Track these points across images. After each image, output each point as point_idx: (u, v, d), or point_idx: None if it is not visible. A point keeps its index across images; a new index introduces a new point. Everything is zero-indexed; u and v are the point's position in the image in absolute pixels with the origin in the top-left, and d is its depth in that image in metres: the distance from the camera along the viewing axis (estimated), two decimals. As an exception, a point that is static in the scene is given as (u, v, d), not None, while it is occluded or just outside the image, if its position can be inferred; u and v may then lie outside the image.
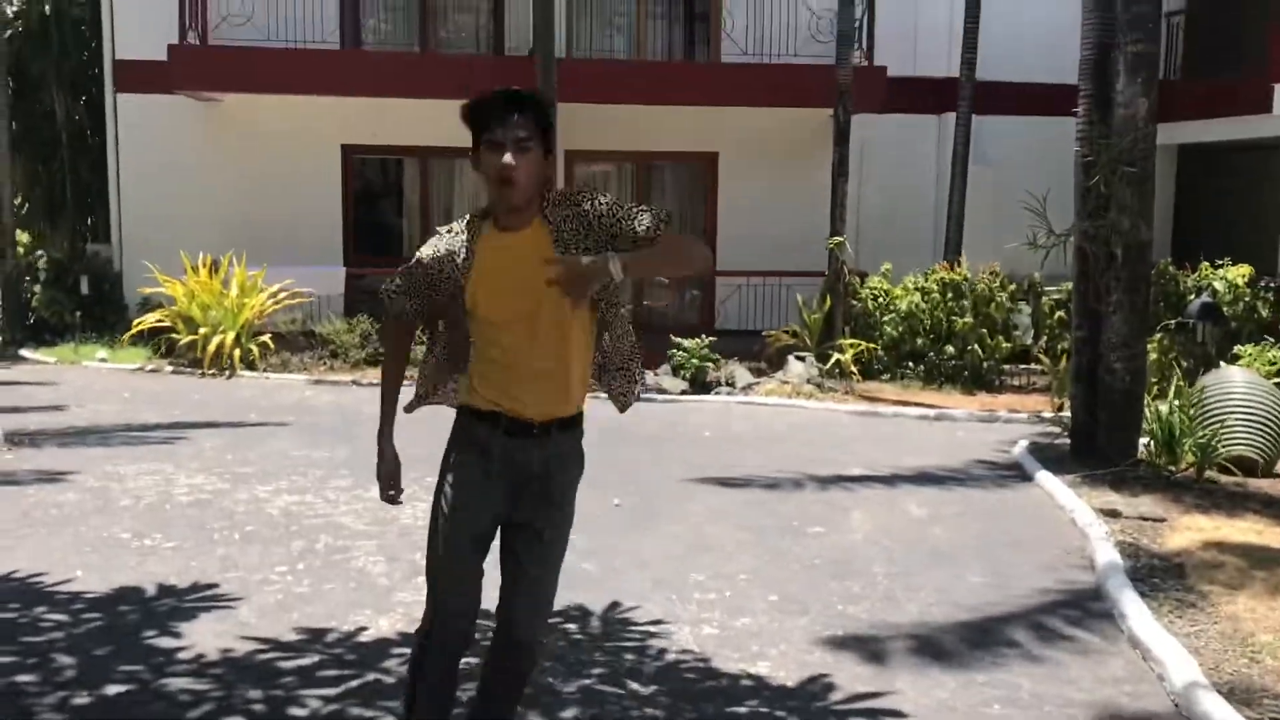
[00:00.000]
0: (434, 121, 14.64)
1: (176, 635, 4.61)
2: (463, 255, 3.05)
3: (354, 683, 4.17)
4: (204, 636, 4.59)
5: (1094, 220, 7.97)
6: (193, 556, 5.71)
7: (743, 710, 4.01)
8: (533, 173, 2.96)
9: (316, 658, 4.41)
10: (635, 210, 3.03)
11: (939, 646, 4.69)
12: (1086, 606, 5.22)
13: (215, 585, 5.25)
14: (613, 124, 14.95)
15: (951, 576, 5.66)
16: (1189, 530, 6.18)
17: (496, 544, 3.22)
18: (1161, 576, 5.42)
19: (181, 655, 4.40)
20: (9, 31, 15.21)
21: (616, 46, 15.80)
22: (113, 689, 4.07)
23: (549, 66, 12.62)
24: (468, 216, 3.15)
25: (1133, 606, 4.90)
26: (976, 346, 12.78)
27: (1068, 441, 8.58)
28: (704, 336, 12.65)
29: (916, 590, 5.43)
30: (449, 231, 3.15)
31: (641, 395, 4.46)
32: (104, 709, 3.91)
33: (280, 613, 4.90)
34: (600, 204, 3.02)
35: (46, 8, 15.80)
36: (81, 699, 3.98)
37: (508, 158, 2.91)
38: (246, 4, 14.25)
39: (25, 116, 15.75)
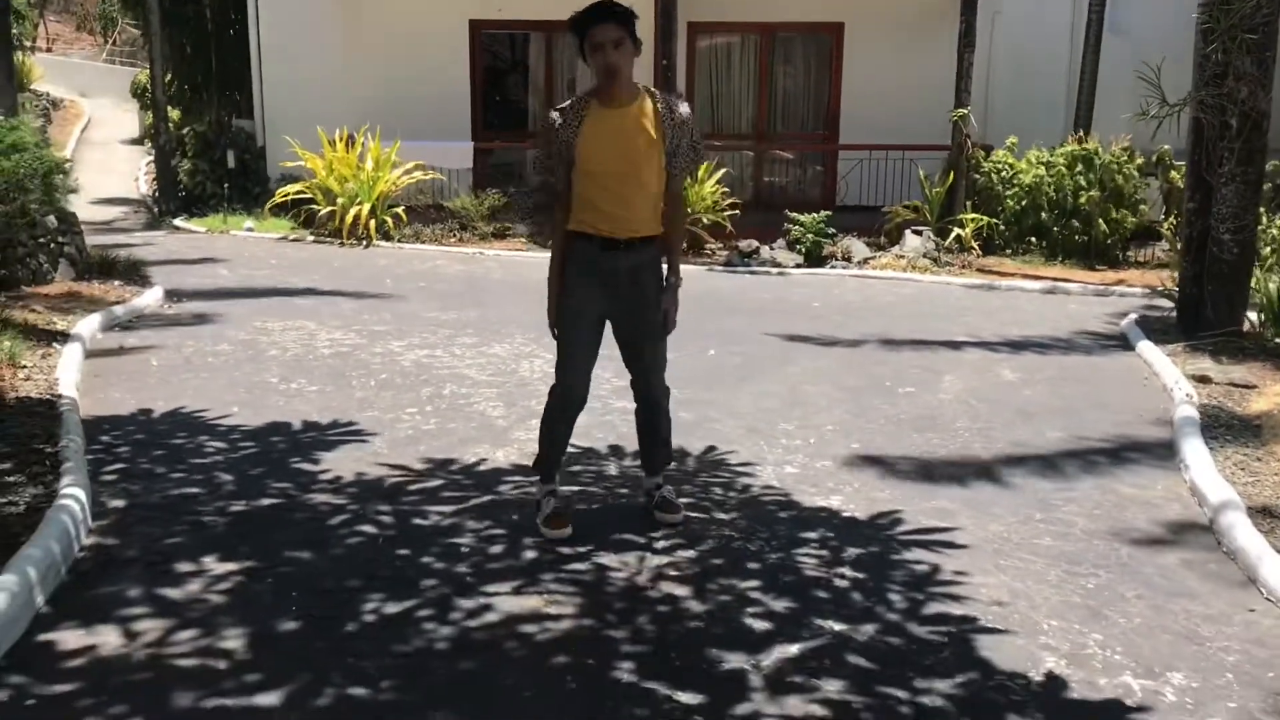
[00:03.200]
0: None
1: (318, 461, 5.24)
2: (575, 124, 4.13)
3: (472, 501, 4.73)
4: (342, 462, 5.21)
5: (1211, 89, 7.86)
6: (333, 399, 6.35)
7: (813, 534, 4.44)
8: (628, 62, 4.08)
9: (440, 481, 4.98)
10: (693, 144, 4.24)
11: (1004, 488, 5.02)
12: (1155, 458, 5.46)
13: (353, 423, 5.88)
14: (735, -6, 14.96)
15: (1031, 432, 5.94)
16: (1277, 396, 6.29)
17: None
18: (1235, 434, 5.61)
19: (323, 477, 5.02)
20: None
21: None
22: (265, 501, 4.71)
23: (670, -62, 12.68)
24: (573, 99, 4.24)
25: (1197, 457, 5.12)
26: (1101, 221, 12.65)
27: (1177, 314, 8.61)
28: (821, 211, 12.80)
29: (994, 442, 5.74)
30: (559, 109, 4.20)
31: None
32: (257, 516, 4.55)
33: (409, 445, 5.49)
34: (688, 138, 4.22)
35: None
36: (239, 507, 4.63)
37: (607, 53, 4.02)
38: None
39: (172, -3, 16.52)
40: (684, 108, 4.21)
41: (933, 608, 3.82)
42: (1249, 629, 3.71)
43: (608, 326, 4.38)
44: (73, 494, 4.30)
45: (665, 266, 4.38)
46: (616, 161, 4.11)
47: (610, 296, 4.26)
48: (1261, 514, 4.51)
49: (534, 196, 4.25)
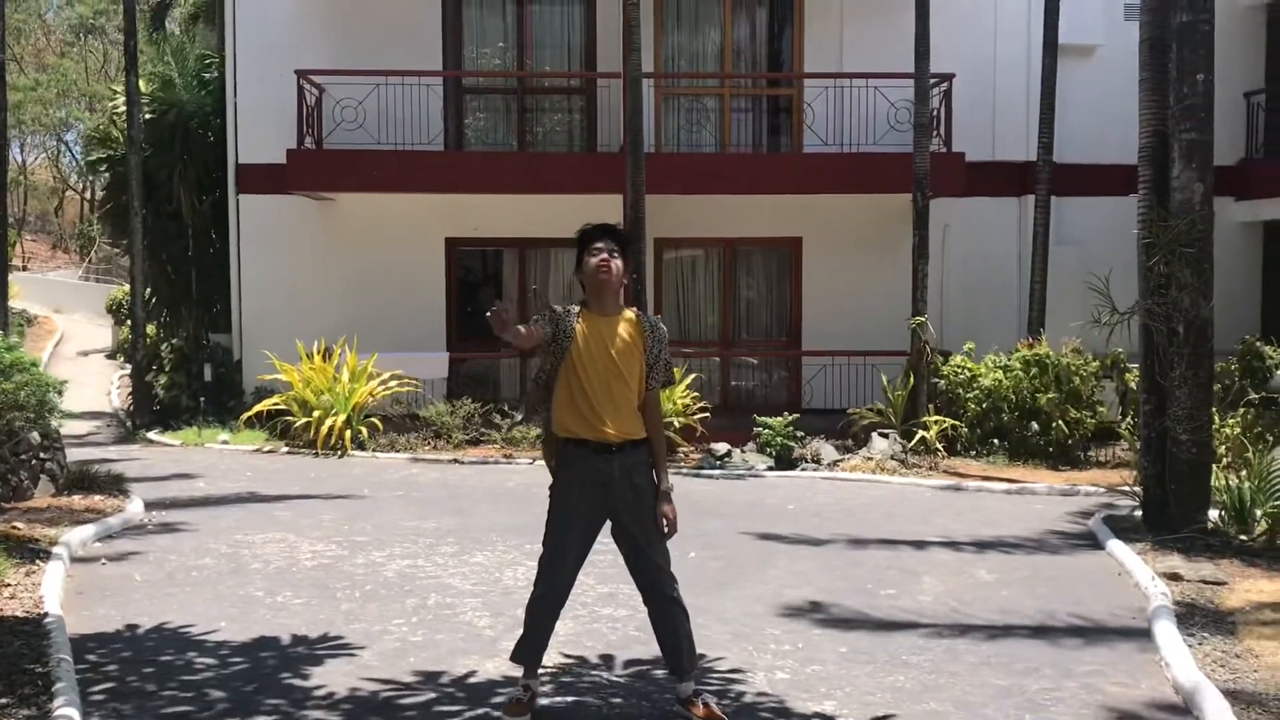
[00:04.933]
0: (531, 214, 15.66)
1: (309, 676, 5.23)
2: (570, 325, 4.50)
3: (466, 715, 4.73)
4: (334, 677, 5.20)
5: (1156, 299, 8.35)
6: (319, 611, 6.36)
7: (809, 741, 4.47)
8: (620, 271, 4.51)
9: (432, 695, 4.98)
10: (668, 361, 4.65)
11: (993, 689, 5.08)
12: (1135, 656, 5.56)
13: (341, 636, 5.88)
14: (700, 212, 15.71)
15: (1014, 634, 6.03)
16: (1248, 592, 6.46)
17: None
18: (1211, 630, 5.75)
19: (316, 692, 5.01)
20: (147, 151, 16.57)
21: (703, 140, 16.60)
22: (260, 719, 4.68)
23: (638, 161, 13.43)
24: (565, 307, 4.57)
25: (1176, 654, 5.24)
26: (1060, 422, 13.03)
27: (1142, 513, 8.84)
28: (786, 414, 13.12)
29: (978, 644, 5.82)
30: (560, 309, 4.57)
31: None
32: (252, 734, 4.52)
33: (398, 658, 5.49)
34: (665, 354, 4.62)
35: (172, 115, 17.18)
36: (233, 725, 4.60)
37: (604, 257, 4.48)
38: (359, 110, 15.41)
39: (154, 216, 17.05)
40: (663, 327, 4.65)
41: (934, 813, 3.84)
42: (1245, 827, 3.76)
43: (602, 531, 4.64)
44: (66, 715, 4.28)
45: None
46: (605, 361, 4.46)
47: (610, 500, 4.51)
48: (1245, 709, 4.60)
49: (529, 396, 4.55)
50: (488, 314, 4.25)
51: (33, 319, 28.89)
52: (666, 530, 4.56)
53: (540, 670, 4.86)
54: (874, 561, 7.83)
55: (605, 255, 4.46)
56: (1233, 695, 4.77)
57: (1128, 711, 4.84)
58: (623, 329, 4.51)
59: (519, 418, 14.15)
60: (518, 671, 5.09)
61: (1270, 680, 5.00)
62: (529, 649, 4.69)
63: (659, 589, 4.60)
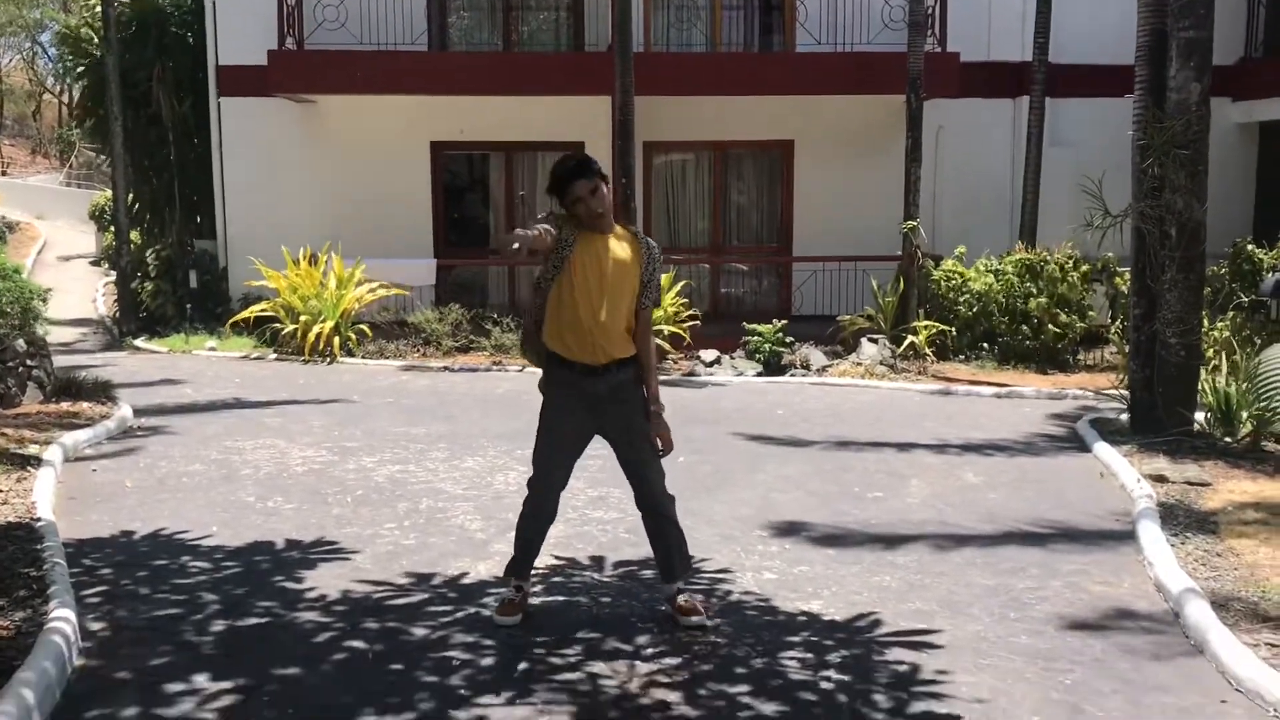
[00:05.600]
0: (518, 117, 15.43)
1: (301, 579, 5.27)
2: (571, 238, 4.42)
3: (458, 615, 4.78)
4: (326, 580, 5.25)
5: (1149, 201, 8.28)
6: (311, 516, 6.39)
7: (796, 639, 4.54)
8: (606, 201, 4.42)
9: (424, 596, 5.04)
10: (657, 295, 4.76)
11: (978, 589, 5.15)
12: (1119, 556, 5.64)
13: (333, 540, 5.92)
14: (689, 114, 15.49)
15: (1000, 534, 6.10)
16: (1231, 493, 6.54)
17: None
18: (1193, 530, 5.82)
19: (307, 594, 5.05)
20: (121, 37, 16.19)
21: (693, 39, 16.28)
22: (252, 620, 4.73)
23: (627, 61, 13.17)
24: (564, 221, 4.44)
25: (1159, 554, 5.31)
26: (1050, 326, 13.05)
27: (1129, 415, 8.89)
28: (776, 321, 13.10)
29: (964, 545, 5.89)
30: (563, 215, 4.44)
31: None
32: (245, 635, 4.56)
33: (390, 561, 5.54)
34: (659, 275, 4.64)
35: (149, 15, 16.77)
36: (226, 626, 4.64)
37: (590, 205, 4.38)
38: (340, 10, 15.06)
39: (134, 121, 16.74)
40: (656, 247, 4.63)
41: (917, 706, 3.92)
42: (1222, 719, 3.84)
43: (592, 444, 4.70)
44: (62, 616, 4.31)
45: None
46: (599, 280, 4.42)
47: (599, 416, 4.55)
48: (1225, 607, 4.68)
49: (529, 307, 4.39)
50: (513, 244, 4.06)
51: (14, 225, 28.55)
52: (661, 450, 4.56)
53: (532, 573, 4.89)
54: (862, 465, 7.88)
55: (591, 201, 4.37)
56: (1213, 594, 4.84)
57: (1110, 610, 4.91)
58: (618, 247, 4.49)
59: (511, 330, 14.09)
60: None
61: (1249, 578, 5.08)
62: (520, 564, 4.76)
63: (651, 506, 4.65)
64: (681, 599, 4.70)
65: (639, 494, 4.67)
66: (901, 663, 4.31)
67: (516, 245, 4.07)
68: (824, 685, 4.09)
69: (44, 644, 4.02)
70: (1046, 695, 4.02)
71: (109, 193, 20.43)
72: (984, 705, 3.92)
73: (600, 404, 4.52)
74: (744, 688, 4.05)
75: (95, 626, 4.60)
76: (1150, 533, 5.70)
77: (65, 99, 38.27)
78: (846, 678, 4.16)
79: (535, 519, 4.70)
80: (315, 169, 15.95)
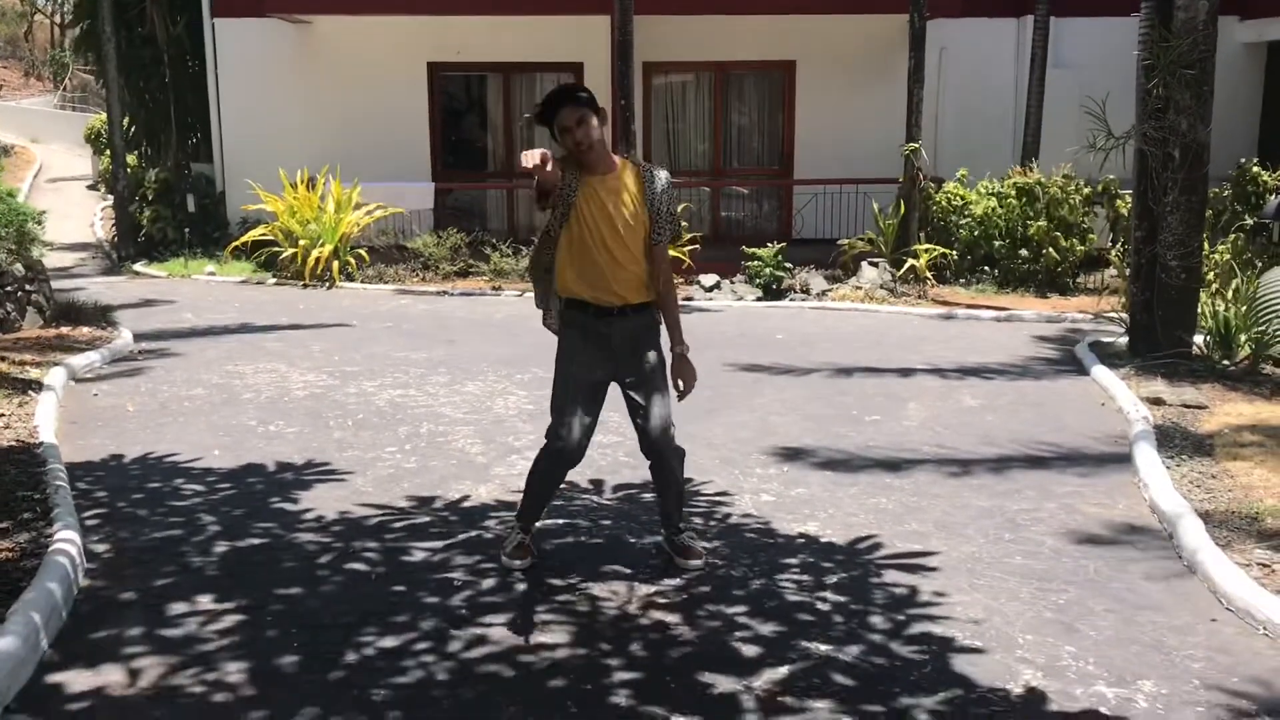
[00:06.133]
0: (515, 38, 15.20)
1: (301, 501, 5.32)
2: (574, 181, 4.19)
3: (460, 537, 4.83)
4: (326, 502, 5.29)
5: (1153, 122, 8.19)
6: (312, 439, 6.43)
7: (793, 560, 4.59)
8: (597, 135, 4.16)
9: (425, 519, 5.08)
10: (673, 213, 4.39)
11: (974, 510, 5.20)
12: (1115, 478, 5.68)
13: (333, 463, 5.96)
14: (689, 34, 15.26)
15: (996, 456, 6.14)
16: (1227, 415, 6.56)
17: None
18: (1189, 452, 5.85)
19: (307, 516, 5.10)
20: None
21: (693, -43, 15.97)
22: (254, 540, 4.78)
23: (626, -19, 12.93)
24: (568, 164, 4.20)
25: (1154, 475, 5.35)
26: (1050, 250, 12.99)
27: (1128, 339, 8.90)
28: (774, 244, 13.04)
29: (961, 467, 5.93)
30: (565, 164, 4.18)
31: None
32: (248, 556, 4.62)
33: (391, 484, 5.58)
34: (671, 205, 4.35)
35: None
36: (228, 547, 4.70)
37: (577, 137, 4.12)
38: (335, -73, 14.77)
39: (127, 43, 16.50)
40: (664, 175, 4.31)
41: (913, 628, 3.98)
42: (1212, 637, 3.90)
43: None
44: (67, 538, 4.36)
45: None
46: (606, 222, 4.19)
47: (612, 360, 4.32)
48: (1218, 528, 4.73)
49: (535, 257, 4.16)
50: (530, 164, 3.83)
51: (9, 149, 28.31)
52: (681, 390, 4.36)
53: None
54: (860, 389, 7.90)
55: (577, 132, 4.10)
56: (1206, 515, 4.88)
57: (1104, 531, 4.96)
58: (621, 186, 4.23)
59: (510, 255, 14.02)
60: (510, 496, 5.21)
61: (1243, 499, 5.12)
62: (531, 512, 4.56)
63: (659, 452, 4.38)
64: (681, 539, 4.54)
65: (649, 441, 4.37)
66: (897, 584, 4.36)
67: (534, 163, 3.83)
68: (821, 606, 4.14)
69: (49, 565, 4.07)
70: (1040, 614, 4.08)
71: (104, 116, 20.21)
72: (978, 625, 3.98)
73: (613, 348, 4.30)
74: (741, 608, 4.11)
75: (99, 549, 4.65)
76: (1146, 455, 5.74)
77: (57, 19, 37.71)
78: (843, 599, 4.21)
79: (551, 471, 4.44)
80: (312, 91, 15.76)
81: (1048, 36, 14.69)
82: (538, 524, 4.67)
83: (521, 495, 4.59)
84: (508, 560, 4.46)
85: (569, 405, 4.31)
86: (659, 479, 4.52)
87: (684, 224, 13.67)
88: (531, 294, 4.67)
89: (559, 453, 4.34)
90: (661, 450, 4.38)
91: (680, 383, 4.35)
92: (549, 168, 3.92)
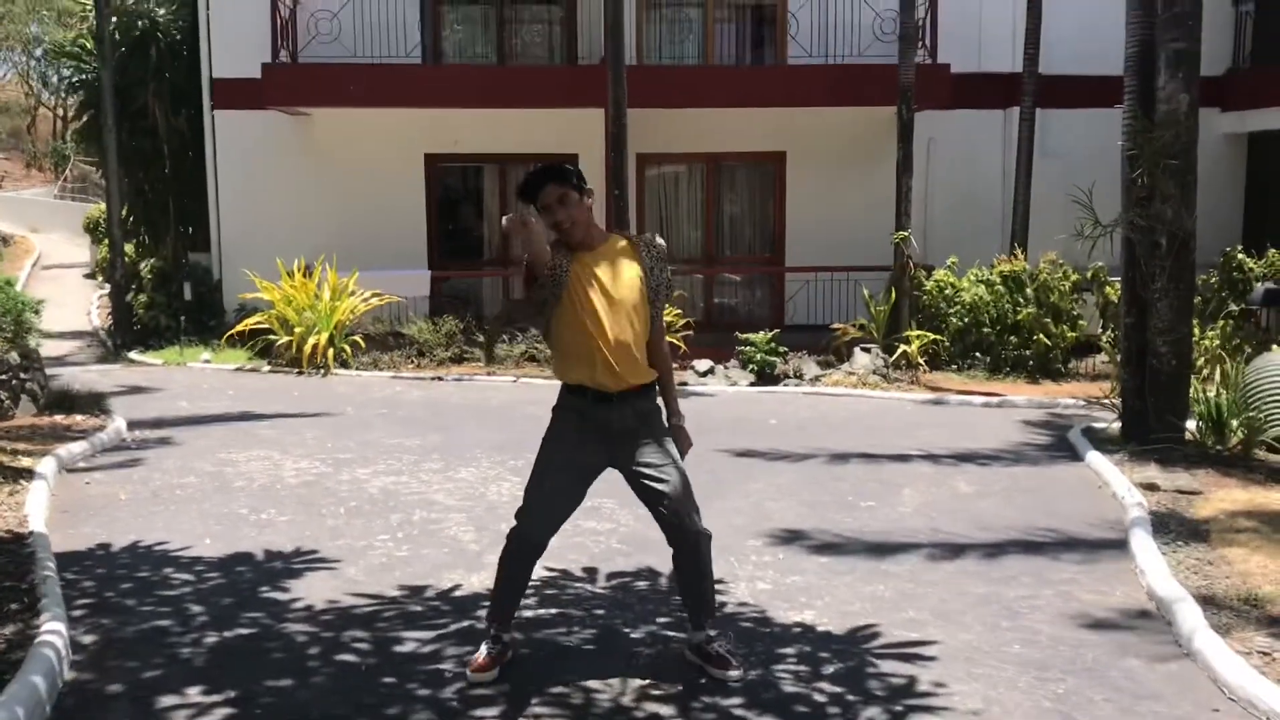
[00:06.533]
0: (511, 130, 15.46)
1: (292, 591, 5.26)
2: (565, 264, 4.03)
3: (451, 627, 4.78)
4: (318, 591, 5.24)
5: (1139, 211, 8.32)
6: (304, 528, 6.39)
7: (790, 650, 4.54)
8: (579, 214, 4.04)
9: (417, 608, 5.03)
10: (669, 293, 4.26)
11: (971, 598, 5.16)
12: (1111, 565, 5.65)
13: (325, 552, 5.91)
14: (682, 126, 15.53)
15: (991, 543, 6.11)
16: (1223, 501, 6.55)
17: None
18: (1185, 539, 5.83)
19: (297, 605, 5.05)
20: (117, 52, 16.21)
21: (685, 52, 16.34)
22: (244, 631, 4.73)
23: (619, 74, 13.21)
24: (554, 243, 4.04)
25: (1151, 562, 5.33)
26: (1040, 336, 13.08)
27: (1120, 424, 8.92)
28: (767, 330, 13.12)
29: (956, 554, 5.90)
30: (555, 248, 4.02)
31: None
32: (238, 647, 4.56)
33: (383, 573, 5.54)
34: (666, 272, 4.22)
35: (140, 24, 16.79)
36: (218, 638, 4.64)
37: (557, 219, 4.01)
38: (334, 23, 15.10)
39: (129, 134, 16.74)
40: (660, 243, 4.22)
41: (911, 719, 3.92)
42: (1214, 728, 3.86)
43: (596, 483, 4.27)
44: (53, 630, 4.31)
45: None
46: (602, 300, 4.01)
47: (613, 449, 4.11)
48: (1217, 614, 4.70)
49: (514, 307, 4.20)
50: (504, 221, 3.81)
51: (9, 238, 28.54)
52: (680, 449, 4.22)
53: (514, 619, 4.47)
54: (855, 475, 7.89)
55: (559, 212, 3.99)
56: (1205, 600, 4.85)
57: (1103, 618, 4.93)
58: (617, 259, 4.09)
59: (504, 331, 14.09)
60: None
61: (1241, 586, 5.09)
62: (502, 607, 4.29)
63: (686, 539, 4.14)
64: (714, 647, 4.24)
65: (668, 530, 4.14)
66: (895, 674, 4.31)
67: (519, 225, 3.78)
68: (818, 698, 4.09)
69: (34, 658, 4.02)
70: (1039, 704, 4.03)
71: (103, 205, 20.42)
72: (977, 716, 3.93)
73: (615, 433, 4.09)
74: (737, 700, 4.05)
75: (87, 639, 4.59)
76: (1142, 541, 5.72)
77: (60, 112, 38.29)
78: (840, 689, 4.16)
79: (519, 555, 4.21)
80: (310, 181, 15.97)
81: (1034, 127, 14.98)
82: (510, 633, 4.36)
83: (493, 590, 4.34)
84: (469, 673, 4.16)
85: (545, 489, 4.14)
86: (688, 568, 4.21)
87: (678, 311, 13.76)
88: (525, 380, 4.59)
89: (523, 537, 4.16)
90: (689, 533, 4.13)
91: (682, 452, 4.24)
92: (532, 229, 3.81)
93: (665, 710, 3.97)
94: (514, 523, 4.23)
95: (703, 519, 4.20)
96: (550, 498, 4.15)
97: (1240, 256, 12.88)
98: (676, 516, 4.10)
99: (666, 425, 4.23)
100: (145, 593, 5.22)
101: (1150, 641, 4.64)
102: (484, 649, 4.25)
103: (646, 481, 4.11)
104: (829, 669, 4.35)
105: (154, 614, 4.93)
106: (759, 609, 5.03)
